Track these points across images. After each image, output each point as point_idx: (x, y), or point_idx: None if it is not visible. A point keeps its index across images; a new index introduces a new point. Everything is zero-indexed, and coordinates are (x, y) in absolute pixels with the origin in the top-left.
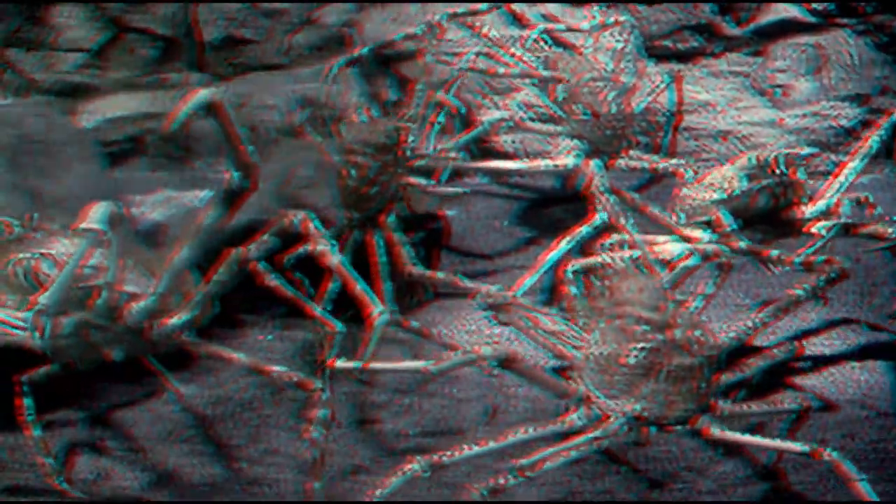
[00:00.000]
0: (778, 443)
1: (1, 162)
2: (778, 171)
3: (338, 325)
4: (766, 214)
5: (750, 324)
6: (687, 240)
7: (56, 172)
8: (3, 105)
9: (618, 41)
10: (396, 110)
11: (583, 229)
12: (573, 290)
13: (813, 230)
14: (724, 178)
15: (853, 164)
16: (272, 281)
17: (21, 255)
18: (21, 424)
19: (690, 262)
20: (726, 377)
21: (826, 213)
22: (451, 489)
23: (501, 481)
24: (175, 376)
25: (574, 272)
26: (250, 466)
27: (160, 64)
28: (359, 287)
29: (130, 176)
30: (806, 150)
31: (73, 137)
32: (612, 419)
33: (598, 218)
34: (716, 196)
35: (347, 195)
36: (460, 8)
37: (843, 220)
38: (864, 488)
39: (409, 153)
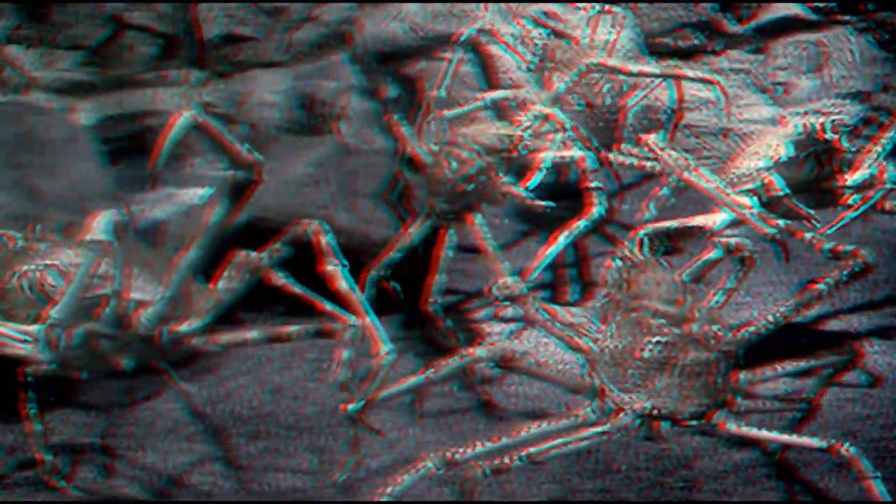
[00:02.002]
0: (795, 438)
1: (1, 159)
2: (825, 137)
3: (351, 319)
4: (809, 183)
5: (771, 318)
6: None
7: (56, 170)
8: (3, 102)
9: (609, 32)
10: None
11: (580, 223)
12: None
13: (850, 202)
14: (769, 146)
15: (890, 134)
16: (280, 279)
17: (26, 267)
18: (22, 418)
19: (712, 255)
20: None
21: (870, 181)
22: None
23: (507, 461)
24: (175, 374)
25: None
26: (250, 464)
27: (160, 61)
28: (369, 319)
29: (130, 173)
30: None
31: (73, 135)
32: (622, 415)
33: (596, 212)
34: (761, 164)
35: (440, 185)
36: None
37: (888, 185)
38: (877, 486)
39: (515, 163)
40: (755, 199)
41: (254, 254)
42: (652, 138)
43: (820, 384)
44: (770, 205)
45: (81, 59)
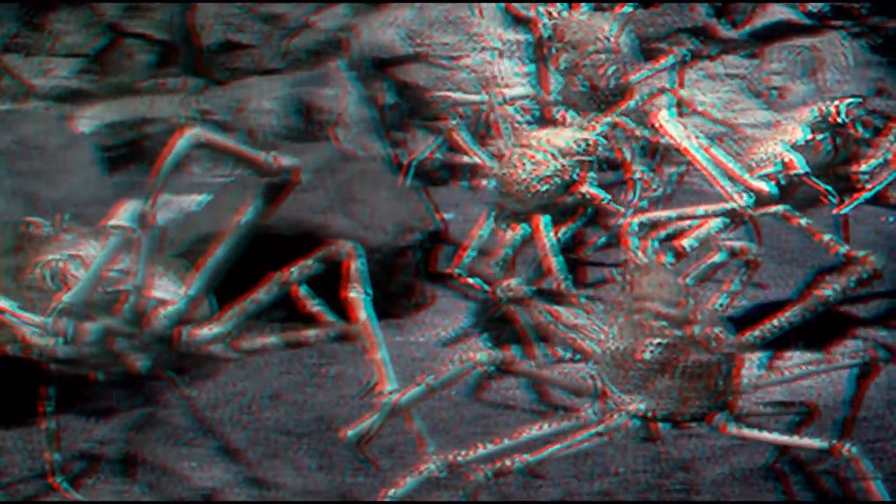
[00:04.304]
0: (796, 439)
1: (0, 167)
2: (839, 121)
3: (388, 384)
4: (826, 167)
5: (776, 323)
6: (751, 191)
7: (54, 177)
8: (2, 110)
9: (630, 5)
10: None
11: (578, 221)
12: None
13: (867, 186)
14: (785, 131)
15: None
16: (314, 307)
17: (49, 257)
18: (38, 415)
19: (717, 258)
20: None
21: (884, 166)
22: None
23: (508, 463)
24: (176, 379)
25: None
26: (250, 469)
27: (158, 69)
28: (379, 355)
29: (129, 180)
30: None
31: (72, 142)
32: (616, 415)
33: (588, 209)
34: (779, 148)
35: (514, 185)
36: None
37: None
38: (877, 487)
39: (592, 168)
40: (773, 183)
41: (283, 270)
42: (662, 114)
43: (853, 395)
44: (790, 185)
45: (80, 67)
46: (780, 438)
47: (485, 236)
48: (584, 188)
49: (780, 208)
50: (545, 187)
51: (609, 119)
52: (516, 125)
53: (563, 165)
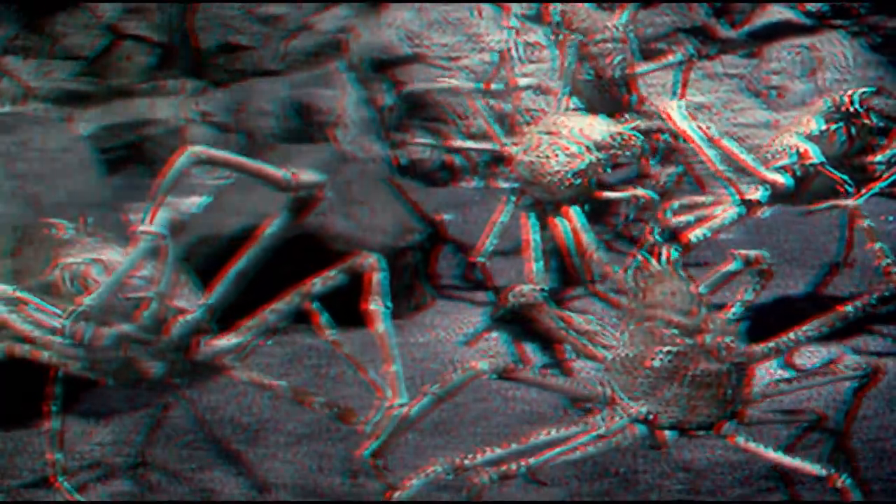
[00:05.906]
0: (798, 462)
1: None
2: (853, 109)
3: (387, 393)
4: (840, 158)
5: (793, 336)
6: (767, 183)
7: (54, 179)
8: (1, 113)
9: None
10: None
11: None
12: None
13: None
14: (800, 122)
15: None
16: (332, 336)
17: (70, 260)
18: (41, 415)
19: (731, 267)
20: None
21: None
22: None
23: (513, 467)
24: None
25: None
26: (251, 470)
27: (157, 71)
28: (394, 368)
29: (128, 182)
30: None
31: (71, 144)
32: (616, 419)
33: (586, 209)
34: (794, 139)
35: (546, 176)
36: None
37: None
38: None
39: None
40: (788, 175)
41: (306, 282)
42: (671, 104)
43: (849, 406)
44: (806, 176)
45: (79, 70)
46: (782, 459)
47: (505, 222)
48: (638, 190)
49: (850, 203)
50: (579, 181)
51: (637, 124)
52: (517, 119)
53: (598, 159)
